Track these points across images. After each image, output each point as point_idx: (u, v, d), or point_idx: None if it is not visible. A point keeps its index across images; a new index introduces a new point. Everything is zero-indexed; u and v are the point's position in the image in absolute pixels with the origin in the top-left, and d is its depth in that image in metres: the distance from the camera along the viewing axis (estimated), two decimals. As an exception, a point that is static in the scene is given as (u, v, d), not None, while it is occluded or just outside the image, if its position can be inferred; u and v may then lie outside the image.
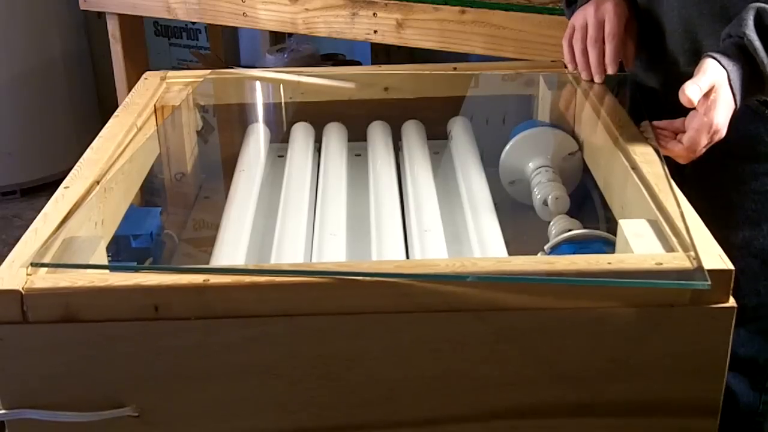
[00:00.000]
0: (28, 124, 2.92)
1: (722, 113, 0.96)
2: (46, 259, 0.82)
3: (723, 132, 0.97)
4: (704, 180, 1.09)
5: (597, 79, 1.16)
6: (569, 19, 1.21)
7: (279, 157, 1.31)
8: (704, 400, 0.82)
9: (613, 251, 0.93)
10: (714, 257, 0.80)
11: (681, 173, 1.00)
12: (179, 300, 0.78)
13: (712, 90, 0.95)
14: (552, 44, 1.66)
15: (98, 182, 0.99)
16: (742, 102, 0.98)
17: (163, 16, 2.23)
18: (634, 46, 1.17)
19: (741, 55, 0.97)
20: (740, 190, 1.13)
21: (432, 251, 0.99)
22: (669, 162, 0.99)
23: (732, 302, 0.79)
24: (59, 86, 2.97)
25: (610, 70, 1.15)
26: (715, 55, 0.97)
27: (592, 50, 1.14)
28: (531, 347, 0.80)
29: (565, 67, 1.28)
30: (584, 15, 1.15)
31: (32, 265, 0.80)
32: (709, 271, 0.78)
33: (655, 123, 1.03)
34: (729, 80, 0.96)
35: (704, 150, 0.98)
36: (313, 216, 1.10)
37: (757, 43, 0.96)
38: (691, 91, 0.93)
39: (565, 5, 1.27)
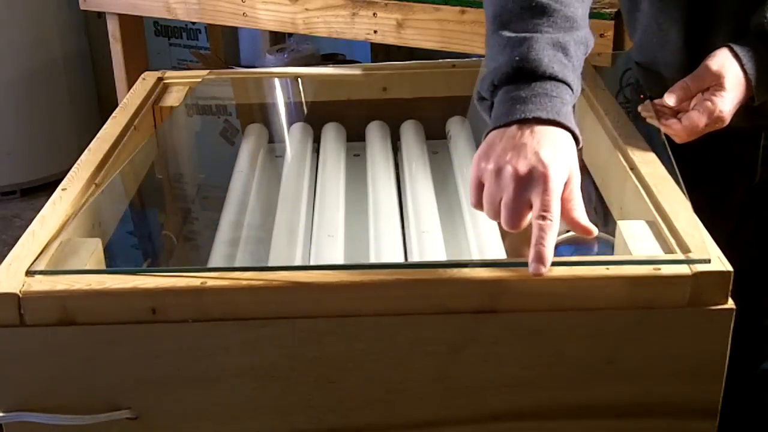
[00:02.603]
0: (28, 124, 2.93)
1: (729, 101, 0.96)
2: (44, 263, 0.82)
3: (727, 120, 0.96)
4: None
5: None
6: (484, 113, 0.87)
7: (277, 157, 1.31)
8: (703, 402, 0.82)
9: (611, 253, 0.93)
10: (713, 259, 0.79)
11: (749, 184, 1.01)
12: (177, 302, 0.78)
13: (718, 77, 0.95)
14: (551, 44, 1.66)
15: (96, 184, 0.99)
16: (759, 89, 0.97)
17: (163, 16, 2.23)
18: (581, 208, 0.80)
19: (761, 42, 0.97)
20: None
21: (430, 252, 0.98)
22: (737, 172, 1.01)
23: (731, 304, 0.78)
24: (59, 86, 2.97)
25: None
26: (732, 44, 0.97)
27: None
28: (529, 349, 0.80)
29: None
30: (497, 162, 0.78)
31: (28, 273, 0.80)
32: (708, 272, 0.77)
33: (657, 101, 1.02)
34: (742, 66, 0.96)
35: (702, 134, 0.97)
36: (311, 217, 1.10)
37: None
38: (668, 97, 0.96)
39: (477, 97, 0.89)
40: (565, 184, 0.78)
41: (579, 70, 0.86)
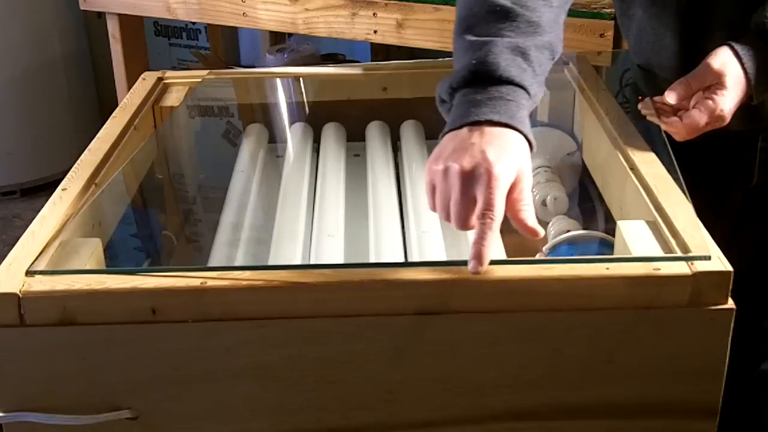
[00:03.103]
0: (28, 124, 2.93)
1: (729, 100, 0.96)
2: (44, 263, 0.82)
3: (727, 119, 0.96)
4: None
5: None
6: (445, 116, 0.86)
7: (277, 157, 1.31)
8: (703, 402, 0.82)
9: (611, 252, 0.93)
10: (713, 258, 0.79)
11: (747, 187, 1.00)
12: (176, 302, 0.78)
13: (719, 75, 0.95)
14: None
15: (96, 184, 0.99)
16: (757, 88, 0.97)
17: (163, 16, 2.23)
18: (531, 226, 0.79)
19: (761, 41, 0.97)
20: None
21: (430, 253, 0.98)
22: (735, 175, 1.00)
23: (731, 304, 0.78)
24: (59, 86, 2.98)
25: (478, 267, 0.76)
26: (733, 42, 0.97)
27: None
28: (529, 349, 0.80)
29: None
30: (444, 162, 0.78)
31: (28, 273, 0.80)
32: (708, 272, 0.77)
33: (657, 98, 1.02)
34: (743, 65, 0.96)
35: (702, 132, 0.97)
36: (311, 217, 1.10)
37: None
38: (669, 95, 0.96)
39: (438, 100, 0.88)
40: (515, 184, 0.78)
41: (542, 76, 0.86)
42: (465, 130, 0.80)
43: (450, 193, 0.78)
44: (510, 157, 0.77)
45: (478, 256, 0.75)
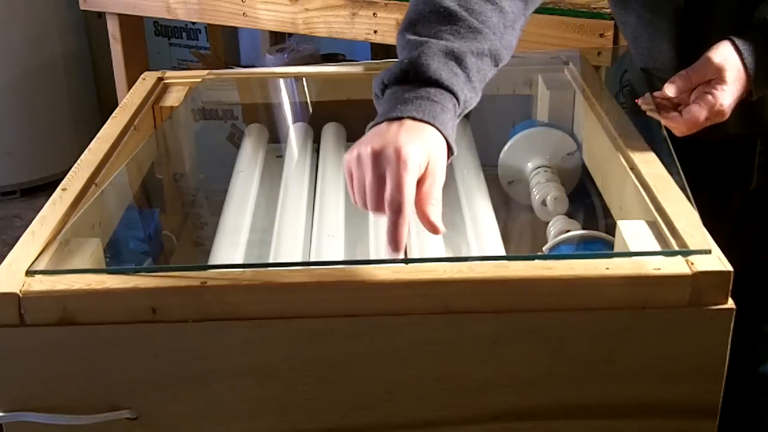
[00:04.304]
0: (28, 124, 2.93)
1: (729, 95, 0.95)
2: (44, 263, 0.82)
3: (727, 114, 0.96)
4: None
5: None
6: (376, 106, 0.86)
7: (277, 157, 1.31)
8: (703, 402, 0.82)
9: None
10: (713, 258, 0.79)
11: (746, 190, 1.02)
12: (177, 302, 0.78)
13: (720, 70, 0.95)
14: (552, 44, 1.66)
15: (96, 184, 0.99)
16: (759, 83, 0.97)
17: (163, 16, 2.23)
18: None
19: (762, 37, 0.97)
20: None
21: (430, 252, 0.98)
22: (734, 178, 1.01)
23: (731, 304, 0.78)
24: (59, 86, 2.97)
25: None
26: (733, 37, 0.97)
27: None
28: (529, 349, 0.80)
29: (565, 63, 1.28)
30: (358, 149, 0.78)
31: (28, 273, 0.80)
32: (708, 272, 0.78)
33: (657, 93, 1.00)
34: (743, 60, 0.96)
35: (703, 127, 0.97)
36: (311, 217, 1.10)
37: None
38: (668, 88, 0.95)
39: (373, 95, 0.89)
40: (426, 175, 0.77)
41: (478, 83, 0.86)
42: (384, 123, 0.80)
43: (364, 177, 0.77)
44: (422, 144, 0.77)
45: (394, 242, 0.75)
